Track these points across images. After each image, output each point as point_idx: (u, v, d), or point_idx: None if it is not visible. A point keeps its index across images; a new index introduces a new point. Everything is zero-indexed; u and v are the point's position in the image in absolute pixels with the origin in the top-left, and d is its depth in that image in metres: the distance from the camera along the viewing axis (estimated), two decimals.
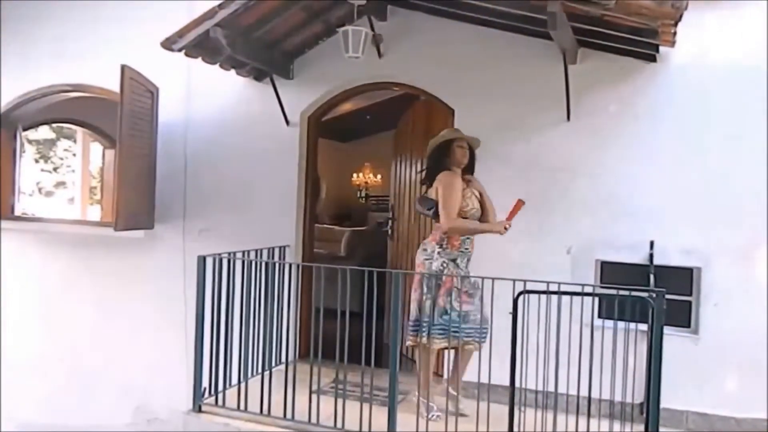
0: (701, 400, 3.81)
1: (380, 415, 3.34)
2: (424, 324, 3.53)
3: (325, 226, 8.89)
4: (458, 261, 3.62)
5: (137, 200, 4.82)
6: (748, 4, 3.81)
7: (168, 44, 3.97)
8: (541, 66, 4.09)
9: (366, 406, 3.36)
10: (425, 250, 3.68)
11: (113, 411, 5.34)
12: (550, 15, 3.23)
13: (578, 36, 3.80)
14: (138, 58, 4.70)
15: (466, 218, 3.62)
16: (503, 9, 3.80)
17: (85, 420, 5.34)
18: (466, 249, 3.66)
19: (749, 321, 3.75)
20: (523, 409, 3.19)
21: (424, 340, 3.54)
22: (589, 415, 3.08)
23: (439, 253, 3.60)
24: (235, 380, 3.79)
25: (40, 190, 12.84)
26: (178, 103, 5.10)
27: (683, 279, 3.90)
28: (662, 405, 2.96)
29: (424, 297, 3.58)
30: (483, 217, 3.73)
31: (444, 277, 3.53)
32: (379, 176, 11.43)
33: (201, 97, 5.09)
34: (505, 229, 3.62)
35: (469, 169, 3.80)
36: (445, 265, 3.58)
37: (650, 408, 2.93)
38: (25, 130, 6.06)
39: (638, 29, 3.44)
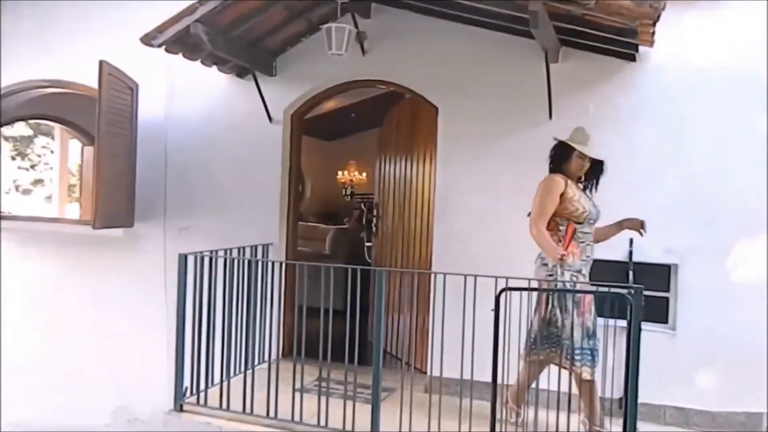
0: (679, 395, 3.86)
1: (364, 413, 3.35)
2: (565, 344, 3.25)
3: (310, 224, 8.88)
4: (584, 271, 3.37)
5: (116, 198, 4.77)
6: (727, 4, 3.86)
7: (147, 40, 3.92)
8: (525, 65, 4.12)
9: (349, 404, 3.36)
10: (545, 264, 3.36)
11: (93, 411, 5.27)
12: (532, 14, 3.25)
13: (560, 35, 3.83)
14: (118, 54, 4.64)
15: (580, 222, 3.37)
16: (487, 8, 3.81)
17: (64, 420, 5.27)
18: (588, 257, 3.42)
19: (725, 317, 3.82)
20: (505, 405, 3.22)
21: (577, 367, 3.25)
22: (569, 411, 3.11)
23: (561, 266, 3.29)
24: (217, 379, 3.77)
25: (17, 187, 12.64)
26: (159, 100, 5.05)
27: (661, 276, 3.96)
28: (640, 400, 2.99)
29: (561, 315, 3.23)
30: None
31: (578, 294, 3.24)
32: (364, 174, 11.43)
33: (182, 94, 5.04)
34: (561, 258, 3.24)
35: (593, 181, 3.56)
36: (574, 278, 3.29)
37: (629, 403, 2.96)
38: (0, 126, 5.95)
39: (618, 29, 3.47)
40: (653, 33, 3.41)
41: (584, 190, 3.54)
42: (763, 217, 3.80)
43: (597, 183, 3.58)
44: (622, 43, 3.70)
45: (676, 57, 3.94)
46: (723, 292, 3.83)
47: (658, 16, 3.19)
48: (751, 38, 3.83)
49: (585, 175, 3.54)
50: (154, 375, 4.73)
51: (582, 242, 3.40)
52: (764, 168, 3.80)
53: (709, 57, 3.89)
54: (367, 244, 6.16)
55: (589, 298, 3.28)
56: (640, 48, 3.80)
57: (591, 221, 3.45)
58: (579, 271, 3.35)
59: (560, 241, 3.34)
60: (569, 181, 3.43)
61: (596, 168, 3.52)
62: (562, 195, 3.36)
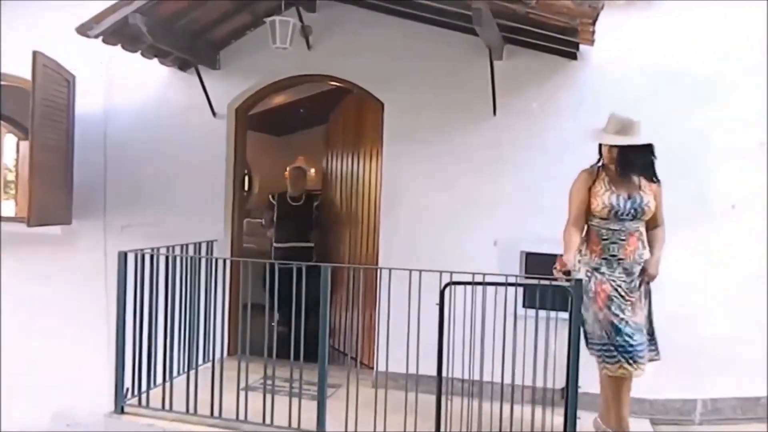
0: None
1: (310, 410, 3.33)
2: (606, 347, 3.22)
3: (258, 220, 8.73)
4: (603, 269, 3.23)
5: (53, 194, 4.59)
6: (666, 5, 3.98)
7: (84, 30, 3.77)
8: (470, 62, 4.15)
9: (295, 402, 3.33)
10: (579, 261, 3.31)
11: (31, 417, 5.06)
12: (475, 11, 3.29)
13: (505, 33, 3.89)
14: (55, 45, 4.47)
15: (605, 218, 3.22)
16: (433, 4, 3.83)
17: (2, 426, 5.05)
18: (613, 256, 3.22)
19: (660, 308, 3.93)
20: (450, 398, 3.25)
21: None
22: (512, 402, 3.16)
23: (579, 261, 3.25)
24: (159, 380, 3.68)
25: None
26: (98, 93, 4.89)
27: None
28: (581, 390, 3.07)
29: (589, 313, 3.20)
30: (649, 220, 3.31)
31: (594, 288, 3.20)
32: (312, 170, 11.31)
33: (122, 87, 4.89)
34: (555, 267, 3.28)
35: (642, 170, 3.27)
36: (589, 275, 3.20)
37: (569, 393, 3.04)
38: None
39: (561, 27, 3.55)
40: (593, 32, 3.50)
41: (636, 180, 3.29)
42: (695, 211, 3.95)
43: (641, 171, 3.26)
44: (564, 41, 3.78)
45: (615, 55, 4.04)
46: (658, 284, 3.96)
47: (597, 16, 3.27)
48: (688, 37, 3.98)
49: (625, 164, 3.24)
50: (94, 377, 4.58)
51: (605, 239, 3.24)
52: (699, 164, 3.96)
53: (647, 56, 4.01)
54: (276, 245, 5.84)
55: (604, 294, 3.19)
56: (582, 47, 3.89)
57: (621, 216, 3.22)
58: (596, 269, 3.25)
59: (583, 247, 3.29)
60: (602, 174, 3.30)
61: (635, 155, 3.22)
62: (590, 189, 3.27)
